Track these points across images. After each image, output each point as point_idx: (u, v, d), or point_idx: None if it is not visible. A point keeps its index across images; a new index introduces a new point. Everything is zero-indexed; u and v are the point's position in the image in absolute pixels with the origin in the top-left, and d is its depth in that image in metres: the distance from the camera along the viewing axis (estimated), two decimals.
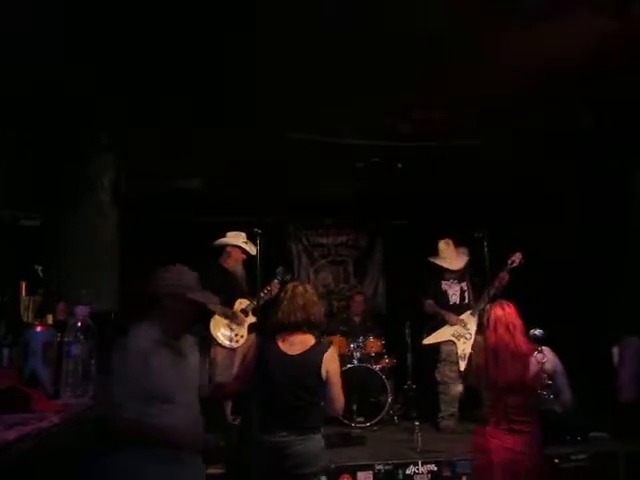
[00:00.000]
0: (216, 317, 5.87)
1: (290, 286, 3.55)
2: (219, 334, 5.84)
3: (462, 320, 6.25)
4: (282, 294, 3.56)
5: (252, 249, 5.93)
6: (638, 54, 4.51)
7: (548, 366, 3.49)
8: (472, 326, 6.19)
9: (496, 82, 4.99)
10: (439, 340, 6.33)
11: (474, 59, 4.68)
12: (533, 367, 3.47)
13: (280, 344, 3.36)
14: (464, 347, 6.15)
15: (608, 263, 6.23)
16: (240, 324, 5.90)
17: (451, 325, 6.24)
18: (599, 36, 4.33)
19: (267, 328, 3.50)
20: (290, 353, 3.33)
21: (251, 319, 5.97)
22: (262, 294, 5.70)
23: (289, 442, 3.19)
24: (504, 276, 5.83)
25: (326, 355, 3.33)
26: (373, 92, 5.21)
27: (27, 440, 1.50)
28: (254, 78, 4.91)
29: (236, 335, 5.89)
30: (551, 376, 3.48)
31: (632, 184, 6.09)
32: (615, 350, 5.92)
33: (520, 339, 3.54)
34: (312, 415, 3.29)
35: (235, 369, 5.87)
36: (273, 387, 3.29)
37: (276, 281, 5.89)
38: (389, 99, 5.42)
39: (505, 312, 3.60)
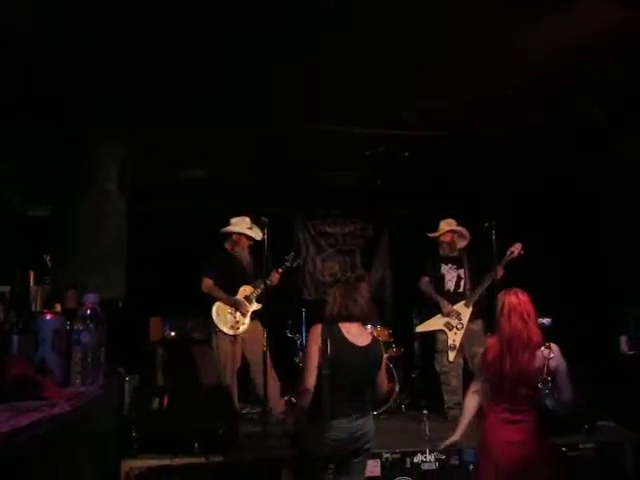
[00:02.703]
0: (218, 304, 5.89)
1: (346, 278, 3.70)
2: (221, 321, 5.86)
3: (456, 310, 6.23)
4: (338, 285, 3.67)
5: (258, 234, 5.94)
6: None
7: (552, 364, 3.44)
8: (465, 317, 6.17)
9: (503, 73, 4.97)
10: (430, 329, 6.35)
11: (483, 48, 4.65)
12: (538, 360, 3.44)
13: (346, 334, 3.45)
14: (454, 337, 6.15)
15: (614, 252, 6.20)
16: (243, 312, 5.90)
17: (444, 315, 6.23)
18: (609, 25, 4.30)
19: (326, 316, 3.55)
20: (358, 344, 3.46)
21: (255, 306, 5.99)
22: (267, 282, 5.74)
23: (357, 426, 3.38)
24: (500, 270, 5.84)
25: (381, 347, 3.61)
26: (381, 81, 5.18)
27: (39, 427, 1.50)
28: (260, 67, 4.89)
29: (237, 322, 5.91)
30: (553, 374, 3.44)
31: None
32: (623, 338, 5.93)
33: (533, 329, 3.50)
34: (370, 396, 3.53)
35: (238, 356, 5.91)
36: (344, 375, 3.37)
37: (280, 269, 5.90)
38: (397, 87, 5.38)
39: (520, 300, 3.55)
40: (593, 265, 6.48)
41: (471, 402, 3.78)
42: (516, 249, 5.89)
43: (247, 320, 5.95)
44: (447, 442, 3.83)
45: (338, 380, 3.35)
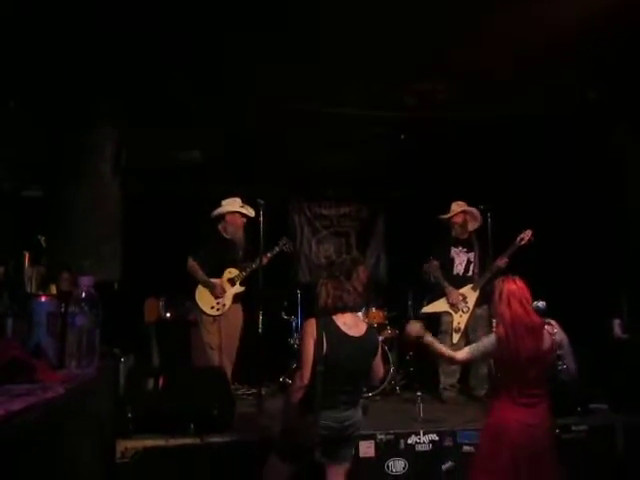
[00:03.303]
0: (200, 286, 5.96)
1: (339, 270, 3.77)
2: (202, 302, 5.94)
3: (462, 294, 6.22)
4: (329, 277, 3.69)
5: (250, 211, 5.99)
6: None
7: (557, 338, 3.51)
8: (471, 300, 6.17)
9: (499, 53, 4.94)
10: (437, 310, 6.32)
11: (478, 29, 4.62)
12: (547, 339, 3.49)
13: (341, 326, 3.47)
14: (460, 320, 6.14)
15: (608, 236, 6.21)
16: (220, 295, 5.94)
17: (449, 302, 6.21)
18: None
19: (319, 309, 3.58)
20: (353, 335, 3.48)
21: (238, 289, 6.03)
22: (251, 266, 5.90)
23: (344, 417, 3.44)
24: (503, 260, 5.87)
25: (376, 335, 3.69)
26: (377, 61, 5.14)
27: (32, 411, 1.50)
28: (254, 47, 4.84)
29: (218, 304, 5.96)
30: (561, 347, 3.50)
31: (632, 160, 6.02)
32: (616, 321, 5.95)
33: (532, 313, 3.56)
34: (363, 387, 3.66)
35: (221, 336, 5.96)
36: (337, 366, 3.39)
37: (270, 254, 5.92)
38: (394, 69, 5.35)
39: (518, 286, 3.59)
40: (589, 248, 6.49)
41: (459, 353, 3.82)
42: (526, 236, 5.84)
43: (228, 302, 6.00)
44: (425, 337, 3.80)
45: (333, 374, 3.37)
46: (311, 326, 3.44)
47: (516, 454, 3.43)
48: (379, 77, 5.53)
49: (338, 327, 3.45)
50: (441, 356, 3.94)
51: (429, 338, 3.77)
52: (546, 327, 3.52)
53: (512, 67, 5.18)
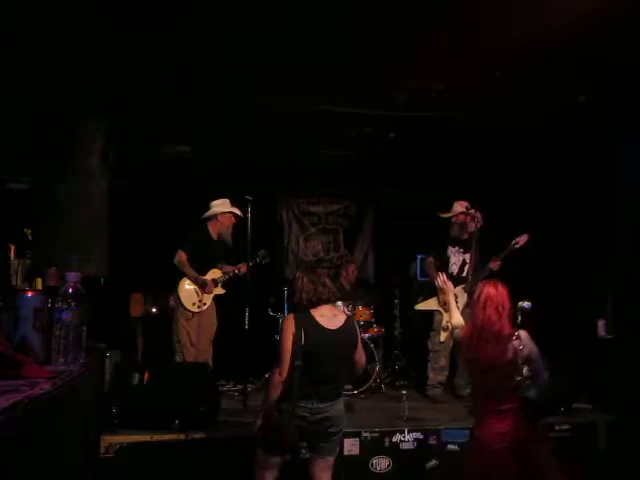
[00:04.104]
0: (186, 280, 5.96)
1: (311, 266, 3.78)
2: (184, 297, 5.96)
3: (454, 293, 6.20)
4: (304, 271, 3.71)
5: (239, 212, 6.07)
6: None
7: (525, 351, 3.50)
8: (461, 300, 6.17)
9: (491, 51, 4.94)
10: (428, 308, 6.33)
11: (468, 29, 4.63)
12: (510, 353, 3.48)
13: (319, 319, 3.50)
14: (448, 319, 6.15)
15: (593, 236, 6.25)
16: (208, 292, 6.00)
17: (441, 300, 6.21)
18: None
19: (296, 303, 3.61)
20: (331, 327, 3.51)
21: (219, 290, 6.12)
22: (233, 271, 6.06)
23: (324, 408, 3.47)
24: (497, 263, 5.89)
25: (356, 325, 3.69)
26: (368, 59, 5.14)
27: (18, 407, 1.49)
28: (246, 45, 4.82)
29: (200, 301, 6.01)
30: (528, 361, 3.50)
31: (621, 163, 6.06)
32: (600, 322, 6.00)
33: (506, 322, 3.55)
34: (342, 382, 3.67)
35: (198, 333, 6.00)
36: (316, 360, 3.43)
37: (250, 263, 5.94)
38: (384, 67, 5.35)
39: (498, 292, 3.58)
40: (575, 249, 6.53)
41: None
42: (522, 240, 5.87)
43: (208, 302, 6.06)
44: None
45: (310, 368, 3.41)
46: (289, 322, 3.49)
47: (494, 466, 3.43)
48: (369, 75, 5.52)
49: (316, 321, 3.49)
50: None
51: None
52: (514, 341, 3.48)
53: (502, 68, 5.19)
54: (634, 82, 5.34)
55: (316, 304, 3.54)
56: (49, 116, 5.14)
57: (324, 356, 3.45)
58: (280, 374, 3.44)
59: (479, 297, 3.62)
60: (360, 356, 3.69)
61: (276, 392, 3.46)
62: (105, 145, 5.33)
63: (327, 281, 3.63)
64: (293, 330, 3.45)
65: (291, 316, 3.54)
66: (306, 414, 3.45)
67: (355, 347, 3.62)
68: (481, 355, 3.49)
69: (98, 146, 5.27)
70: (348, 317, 3.69)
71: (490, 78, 5.34)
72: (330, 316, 3.55)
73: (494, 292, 3.59)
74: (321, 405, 3.46)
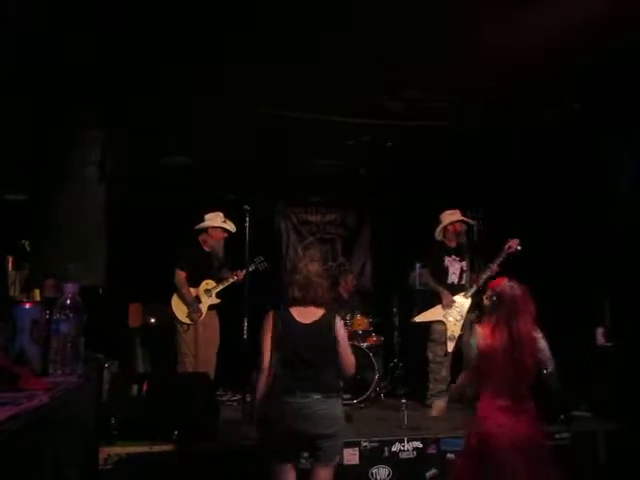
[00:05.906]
0: (177, 296, 6.04)
1: (302, 265, 3.71)
2: (178, 310, 6.00)
3: (455, 301, 6.21)
4: (296, 272, 3.72)
5: (231, 227, 6.13)
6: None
7: (542, 345, 3.56)
8: (464, 308, 6.17)
9: (485, 64, 4.97)
10: (429, 319, 6.28)
11: (464, 39, 4.65)
12: (543, 348, 3.55)
13: (295, 315, 3.57)
14: (454, 328, 6.12)
15: (592, 244, 6.26)
16: (197, 310, 6.01)
17: (444, 307, 6.19)
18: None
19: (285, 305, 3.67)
20: (304, 322, 3.55)
21: (214, 300, 6.13)
22: (230, 279, 6.06)
23: (309, 403, 3.41)
24: (495, 268, 5.88)
25: (336, 320, 3.62)
26: (365, 69, 5.16)
27: (17, 420, 1.48)
28: (243, 54, 4.84)
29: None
30: (542, 352, 3.56)
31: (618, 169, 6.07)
32: (599, 330, 6.00)
33: (534, 323, 3.59)
34: (329, 376, 3.52)
35: (197, 344, 6.01)
36: (292, 352, 3.48)
37: (249, 269, 6.00)
38: (381, 77, 5.37)
39: (524, 294, 3.60)
40: (574, 257, 6.53)
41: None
42: (513, 244, 5.89)
43: (204, 312, 6.07)
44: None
45: (289, 362, 3.46)
46: (268, 319, 3.57)
47: (512, 460, 3.43)
48: (366, 84, 5.54)
49: (292, 316, 3.56)
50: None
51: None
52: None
53: (498, 77, 5.21)
54: (628, 86, 5.37)
55: (293, 303, 3.61)
56: (47, 127, 5.14)
57: (299, 348, 3.47)
58: (262, 371, 3.49)
59: (514, 305, 3.58)
60: (346, 356, 3.60)
61: (261, 393, 3.50)
62: (103, 156, 5.34)
63: (314, 285, 3.62)
64: (271, 326, 3.53)
65: (271, 314, 3.61)
66: (291, 410, 3.39)
67: (336, 341, 3.55)
68: (520, 364, 3.49)
69: (96, 157, 5.28)
70: (326, 313, 3.62)
71: (485, 86, 5.37)
72: (307, 313, 3.58)
73: (521, 295, 3.60)
74: (305, 400, 3.40)
